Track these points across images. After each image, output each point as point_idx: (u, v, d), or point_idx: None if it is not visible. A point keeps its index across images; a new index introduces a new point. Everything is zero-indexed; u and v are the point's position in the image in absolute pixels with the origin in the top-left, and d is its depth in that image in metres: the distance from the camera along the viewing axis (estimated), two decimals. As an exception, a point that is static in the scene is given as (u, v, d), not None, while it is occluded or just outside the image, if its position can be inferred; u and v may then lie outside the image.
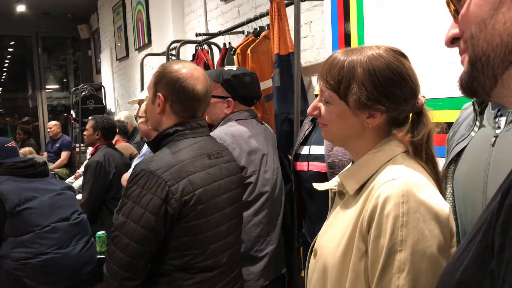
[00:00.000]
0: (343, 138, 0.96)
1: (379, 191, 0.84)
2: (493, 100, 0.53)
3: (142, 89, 4.37)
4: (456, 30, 0.55)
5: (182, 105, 1.36)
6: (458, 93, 0.57)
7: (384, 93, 0.88)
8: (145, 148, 2.61)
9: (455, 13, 0.54)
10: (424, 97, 0.95)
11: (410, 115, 0.96)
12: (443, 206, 0.83)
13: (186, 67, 1.38)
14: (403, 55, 0.93)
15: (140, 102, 3.12)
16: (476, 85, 0.52)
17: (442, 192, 0.93)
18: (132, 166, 2.62)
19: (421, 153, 0.92)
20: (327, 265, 0.92)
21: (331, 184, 1.03)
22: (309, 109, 0.99)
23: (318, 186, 1.08)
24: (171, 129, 1.35)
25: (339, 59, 0.91)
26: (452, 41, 0.56)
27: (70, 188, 2.63)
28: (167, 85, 1.35)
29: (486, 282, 0.45)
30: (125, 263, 1.23)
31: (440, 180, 0.94)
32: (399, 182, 0.83)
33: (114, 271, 1.23)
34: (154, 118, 1.41)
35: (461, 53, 0.55)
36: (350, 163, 1.58)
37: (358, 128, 0.93)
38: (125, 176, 2.63)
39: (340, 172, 1.00)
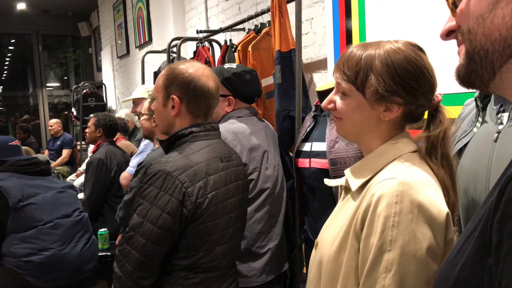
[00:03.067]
0: (357, 132, 0.95)
1: (374, 189, 0.84)
2: (491, 91, 0.54)
3: (143, 86, 4.36)
4: (453, 23, 0.55)
5: (198, 104, 1.36)
6: (460, 89, 0.57)
7: (402, 86, 0.88)
8: (142, 145, 2.61)
9: (453, 6, 0.55)
10: (440, 94, 0.94)
11: (426, 112, 0.95)
12: (440, 209, 0.81)
13: (193, 66, 1.37)
14: (421, 49, 0.92)
15: (136, 100, 3.11)
16: (474, 77, 0.53)
17: (455, 192, 0.92)
18: (130, 164, 2.62)
19: (437, 151, 0.91)
20: (323, 258, 0.93)
21: (342, 181, 1.03)
22: (324, 103, 0.98)
23: (329, 182, 1.07)
24: (186, 130, 1.35)
25: (357, 52, 0.91)
26: (448, 34, 0.56)
27: (72, 187, 2.65)
28: (181, 86, 1.34)
29: (484, 278, 0.45)
30: (142, 263, 1.23)
31: (454, 182, 0.92)
32: (395, 182, 0.82)
33: (129, 271, 1.23)
34: (166, 121, 1.39)
35: (458, 44, 0.55)
36: (353, 160, 1.58)
37: (373, 122, 0.92)
38: (124, 175, 2.63)
39: (348, 167, 1.00)
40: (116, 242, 2.38)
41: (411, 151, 0.91)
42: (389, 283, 0.78)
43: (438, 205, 0.82)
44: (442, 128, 0.91)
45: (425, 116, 0.97)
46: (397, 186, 0.81)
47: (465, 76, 0.54)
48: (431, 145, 0.91)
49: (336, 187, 1.24)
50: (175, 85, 1.35)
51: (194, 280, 1.30)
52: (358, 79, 0.89)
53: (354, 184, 0.92)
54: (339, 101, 0.94)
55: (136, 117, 4.10)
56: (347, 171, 0.96)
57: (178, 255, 1.29)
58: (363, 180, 0.90)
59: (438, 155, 0.91)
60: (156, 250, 1.24)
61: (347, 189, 0.97)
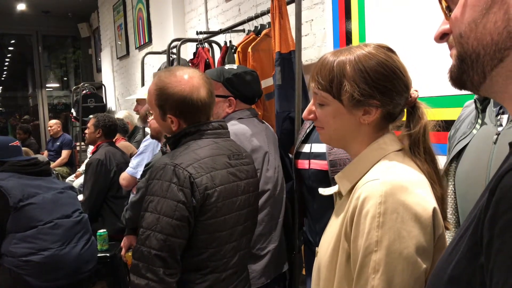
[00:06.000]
0: (340, 138, 0.97)
1: (359, 191, 0.85)
2: (482, 94, 0.55)
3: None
4: (446, 26, 0.57)
5: (196, 117, 1.38)
6: (458, 91, 0.58)
7: (376, 88, 0.89)
8: (142, 146, 2.61)
9: (447, 10, 0.56)
10: (417, 91, 0.95)
11: (405, 110, 0.96)
12: (425, 206, 0.82)
13: (182, 79, 1.36)
14: (391, 50, 0.94)
15: (139, 100, 3.11)
16: (465, 78, 0.54)
17: (443, 188, 0.93)
18: (130, 164, 2.62)
19: (419, 147, 0.92)
20: (320, 264, 0.94)
21: (336, 189, 1.03)
22: (304, 113, 0.99)
23: (324, 191, 1.08)
24: (193, 128, 1.36)
25: (329, 60, 0.93)
26: (442, 37, 0.58)
27: (72, 188, 2.65)
28: (175, 107, 1.35)
29: (476, 276, 0.46)
30: (166, 260, 1.21)
31: (439, 174, 0.93)
32: (379, 182, 0.83)
33: (155, 271, 1.20)
34: (168, 131, 1.42)
35: (450, 48, 0.57)
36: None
37: (354, 127, 0.93)
38: (123, 175, 2.63)
39: (338, 173, 1.01)
40: (122, 244, 2.36)
41: (396, 150, 0.92)
42: (377, 283, 0.78)
43: (423, 202, 0.82)
44: (421, 124, 0.92)
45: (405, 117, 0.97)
46: (380, 187, 0.82)
47: (457, 77, 0.55)
48: (413, 142, 0.92)
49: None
50: (168, 105, 1.35)
51: (204, 284, 1.29)
52: (333, 87, 0.91)
53: (344, 188, 0.93)
54: (318, 111, 0.96)
55: (136, 118, 4.11)
56: (336, 177, 0.97)
57: (188, 252, 1.28)
58: (352, 183, 0.91)
59: (421, 151, 0.92)
60: (178, 243, 1.22)
61: (339, 194, 0.98)
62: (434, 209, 0.83)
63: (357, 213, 0.83)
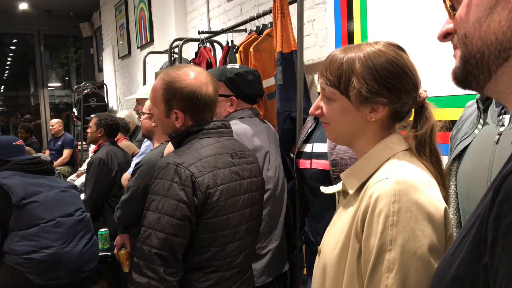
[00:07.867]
0: (347, 136, 0.96)
1: (372, 190, 0.84)
2: (486, 93, 0.55)
3: (144, 87, 4.36)
4: (450, 26, 0.56)
5: (201, 113, 1.38)
6: (461, 91, 0.58)
7: (384, 86, 0.89)
8: (143, 147, 2.61)
9: (451, 9, 0.56)
10: (425, 91, 0.95)
11: (413, 110, 0.96)
12: (437, 206, 0.82)
13: (189, 75, 1.36)
14: (401, 48, 0.93)
15: (139, 99, 3.11)
16: (471, 79, 0.54)
17: (446, 188, 0.93)
18: (132, 164, 2.62)
19: (425, 148, 0.91)
20: (326, 264, 0.93)
21: (338, 187, 1.03)
22: (311, 109, 0.99)
23: (326, 190, 1.07)
24: (195, 127, 1.36)
25: (338, 56, 0.92)
26: (445, 36, 0.57)
27: (75, 187, 2.66)
28: (183, 101, 1.34)
29: (479, 275, 0.46)
30: (166, 259, 1.21)
31: (444, 176, 0.93)
32: (392, 181, 0.82)
33: (156, 270, 1.20)
34: (170, 129, 1.40)
35: (454, 48, 0.57)
36: (354, 161, 1.59)
37: (361, 124, 0.93)
38: (125, 176, 2.63)
39: (344, 171, 1.01)
40: (115, 242, 2.37)
41: (404, 150, 0.92)
42: (391, 282, 0.78)
43: (436, 202, 0.82)
44: (429, 125, 0.92)
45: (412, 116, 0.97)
46: (394, 185, 0.81)
47: (461, 77, 0.55)
48: (419, 143, 0.92)
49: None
50: (176, 99, 1.34)
51: (208, 283, 1.30)
52: (341, 83, 0.91)
53: (351, 187, 0.92)
54: (325, 107, 0.96)
55: (137, 118, 4.11)
56: (342, 175, 0.97)
57: (191, 251, 1.28)
58: (360, 181, 0.91)
59: (426, 152, 0.91)
60: (179, 243, 1.23)
61: (344, 193, 0.98)
62: (445, 208, 0.83)
63: (370, 212, 0.82)
